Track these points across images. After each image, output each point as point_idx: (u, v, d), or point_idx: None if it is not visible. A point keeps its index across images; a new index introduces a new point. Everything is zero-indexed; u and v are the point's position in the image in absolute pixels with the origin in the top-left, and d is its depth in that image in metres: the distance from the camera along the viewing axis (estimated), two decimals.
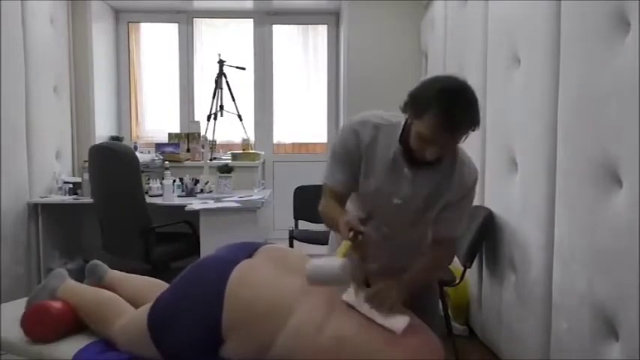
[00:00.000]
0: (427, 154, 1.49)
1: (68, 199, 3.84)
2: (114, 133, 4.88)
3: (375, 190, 1.66)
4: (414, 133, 1.49)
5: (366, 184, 1.67)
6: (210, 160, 4.42)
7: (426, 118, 1.43)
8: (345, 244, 1.47)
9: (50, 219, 3.85)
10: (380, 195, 1.66)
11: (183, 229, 3.44)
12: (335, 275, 1.42)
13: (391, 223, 1.71)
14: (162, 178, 3.84)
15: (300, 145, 5.27)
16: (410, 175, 1.61)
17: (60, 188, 3.95)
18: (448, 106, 1.40)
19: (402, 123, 1.60)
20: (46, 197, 3.81)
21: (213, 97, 4.70)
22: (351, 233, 1.46)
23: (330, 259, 1.46)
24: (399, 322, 1.50)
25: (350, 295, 1.58)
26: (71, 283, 2.05)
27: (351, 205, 1.76)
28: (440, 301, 2.12)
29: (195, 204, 3.52)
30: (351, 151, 1.65)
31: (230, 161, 4.32)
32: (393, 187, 1.64)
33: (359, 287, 1.59)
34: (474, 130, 1.49)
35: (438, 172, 1.61)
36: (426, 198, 1.64)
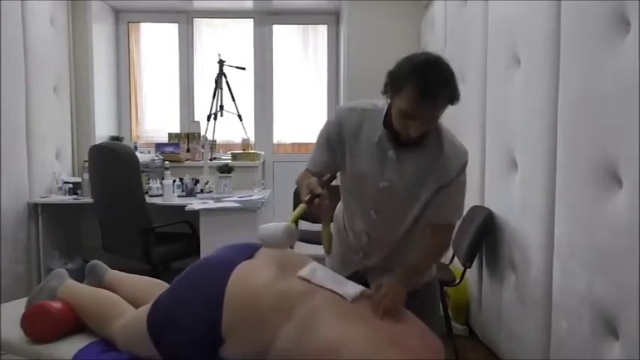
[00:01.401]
0: (410, 131, 1.50)
1: (68, 199, 3.84)
2: (114, 133, 4.88)
3: (360, 174, 1.68)
4: (395, 111, 1.52)
5: (352, 169, 1.69)
6: (210, 160, 4.42)
7: (403, 93, 1.46)
8: (300, 207, 1.54)
9: (50, 219, 3.85)
10: (366, 179, 1.68)
11: (183, 229, 3.44)
12: (277, 238, 1.54)
13: (379, 208, 1.71)
14: (163, 178, 3.84)
15: (300, 145, 5.26)
16: (395, 158, 1.62)
17: (60, 188, 3.95)
18: (424, 77, 1.43)
19: (386, 106, 1.61)
20: (46, 197, 3.81)
21: (213, 97, 4.70)
22: (308, 196, 1.51)
23: (280, 223, 1.55)
24: (350, 289, 1.55)
25: (305, 271, 1.63)
26: (71, 283, 2.05)
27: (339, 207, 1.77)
28: (440, 301, 2.12)
29: (195, 204, 3.52)
30: (330, 137, 1.70)
31: (230, 161, 4.32)
32: (378, 171, 1.65)
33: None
34: (453, 104, 1.50)
35: (424, 154, 1.61)
36: (412, 180, 1.63)
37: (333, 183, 1.72)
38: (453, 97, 1.49)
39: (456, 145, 1.65)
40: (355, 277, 1.76)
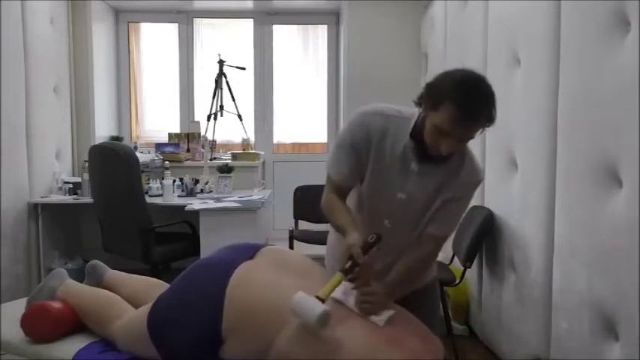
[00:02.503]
0: (442, 148, 1.46)
1: (68, 199, 3.84)
2: (114, 133, 4.88)
3: (379, 182, 1.64)
4: (429, 126, 1.46)
5: (371, 176, 1.64)
6: (210, 160, 4.42)
7: (442, 109, 1.41)
8: (336, 279, 1.45)
9: (50, 219, 3.85)
10: (384, 189, 1.64)
11: (183, 229, 3.44)
12: (311, 324, 1.38)
13: (394, 219, 1.68)
14: (162, 178, 3.84)
15: (300, 145, 5.27)
16: (417, 171, 1.59)
17: (60, 188, 3.95)
18: (466, 96, 1.39)
19: (415, 116, 1.57)
20: (46, 197, 3.81)
21: (213, 97, 4.70)
22: (349, 263, 1.44)
23: (316, 302, 1.41)
24: (382, 315, 1.50)
25: (335, 291, 1.56)
26: (71, 283, 2.05)
27: (350, 202, 1.73)
28: (440, 301, 2.10)
29: (195, 204, 3.52)
30: (358, 143, 1.60)
31: (230, 161, 4.31)
32: (398, 182, 1.61)
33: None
34: (488, 126, 1.47)
35: (445, 170, 1.58)
36: (430, 195, 1.61)
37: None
38: (491, 118, 1.45)
39: (475, 165, 1.64)
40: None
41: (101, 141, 4.15)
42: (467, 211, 2.86)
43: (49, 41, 3.97)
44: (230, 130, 4.90)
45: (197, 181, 4.05)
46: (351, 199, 1.72)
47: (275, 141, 5.23)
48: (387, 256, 1.72)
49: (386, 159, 1.60)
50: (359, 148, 1.60)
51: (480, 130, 1.47)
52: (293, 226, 4.13)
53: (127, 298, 1.96)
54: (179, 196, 3.85)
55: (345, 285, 1.57)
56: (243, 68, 4.79)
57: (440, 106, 1.41)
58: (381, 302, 1.52)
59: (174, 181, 3.85)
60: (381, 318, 1.49)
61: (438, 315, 2.09)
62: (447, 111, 1.40)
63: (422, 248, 1.65)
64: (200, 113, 5.01)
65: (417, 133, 1.54)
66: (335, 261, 1.90)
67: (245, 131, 4.78)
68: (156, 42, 5.21)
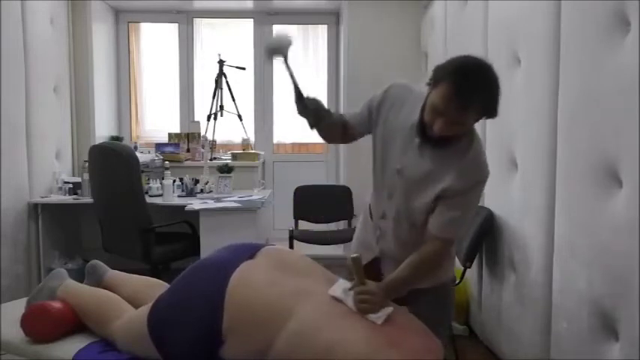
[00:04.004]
0: (435, 127, 1.49)
1: (68, 199, 3.84)
2: (114, 133, 4.88)
3: (385, 148, 1.69)
4: (428, 104, 1.51)
5: (382, 138, 1.71)
6: (210, 160, 4.42)
7: (439, 87, 1.46)
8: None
9: (50, 219, 3.85)
10: (388, 156, 1.69)
11: (183, 229, 3.44)
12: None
13: (391, 191, 1.71)
14: (162, 178, 3.84)
15: (300, 145, 5.26)
16: (417, 146, 1.61)
17: (60, 188, 3.95)
18: (462, 77, 1.43)
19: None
20: (46, 197, 3.81)
21: (213, 97, 4.70)
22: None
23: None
24: (380, 313, 1.51)
25: (336, 290, 1.59)
26: (71, 283, 2.05)
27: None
28: (452, 305, 1.98)
29: (195, 204, 3.52)
30: (372, 102, 1.74)
31: (230, 161, 4.31)
32: (399, 152, 1.65)
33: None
34: (488, 116, 1.49)
35: (446, 156, 1.58)
36: (424, 174, 1.61)
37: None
38: (488, 108, 1.47)
39: (480, 163, 1.60)
40: (371, 266, 1.74)
41: (101, 141, 4.15)
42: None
43: (49, 41, 3.97)
44: (230, 130, 4.90)
45: (197, 181, 4.05)
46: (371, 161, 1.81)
47: (275, 141, 5.23)
48: (395, 236, 1.73)
49: (397, 127, 1.66)
50: (371, 107, 1.73)
51: (477, 119, 1.50)
52: (293, 226, 4.13)
53: (127, 298, 1.96)
54: (179, 196, 3.85)
55: (344, 284, 1.58)
56: (243, 68, 4.79)
57: (439, 84, 1.46)
58: (378, 301, 1.52)
59: (174, 181, 3.85)
60: (379, 316, 1.50)
61: (446, 319, 1.96)
62: (442, 89, 1.45)
63: (425, 248, 1.63)
64: (200, 113, 5.01)
65: (422, 112, 1.57)
66: (355, 246, 1.93)
67: (245, 131, 4.78)
68: (156, 42, 5.21)
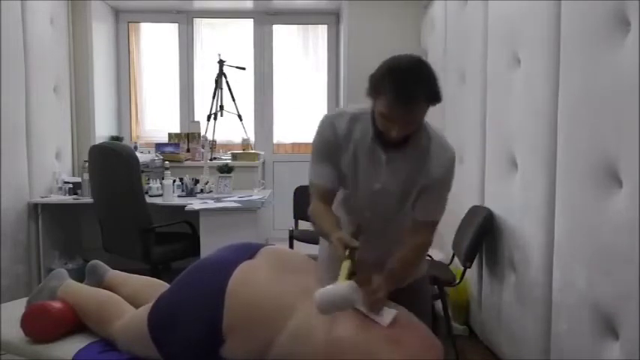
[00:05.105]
0: (392, 133, 1.50)
1: (68, 199, 3.84)
2: (114, 133, 4.88)
3: (355, 177, 1.67)
4: (377, 115, 1.52)
5: (349, 173, 1.68)
6: (210, 160, 4.42)
7: (382, 97, 1.47)
8: (345, 265, 1.45)
9: (50, 219, 3.85)
10: (360, 182, 1.67)
11: (183, 229, 3.44)
12: (346, 299, 1.38)
13: (374, 208, 1.70)
14: (162, 178, 3.84)
15: (300, 145, 5.26)
16: (385, 159, 1.61)
17: (60, 188, 3.95)
18: (399, 82, 1.44)
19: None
20: (46, 197, 3.81)
21: (213, 97, 4.70)
22: (347, 251, 1.46)
23: (336, 285, 1.41)
24: (386, 315, 1.51)
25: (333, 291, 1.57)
26: (71, 283, 2.05)
27: (335, 203, 1.75)
28: (431, 297, 1.99)
29: (195, 204, 3.52)
30: (329, 143, 1.66)
31: (230, 161, 4.32)
32: (371, 173, 1.65)
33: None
34: (434, 104, 1.49)
35: (413, 154, 1.60)
36: (404, 181, 1.63)
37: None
38: (432, 97, 1.47)
39: (443, 144, 1.64)
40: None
41: (101, 141, 4.15)
42: (467, 211, 2.85)
43: (49, 41, 3.97)
44: (230, 130, 4.90)
45: (197, 181, 4.05)
46: (337, 199, 1.74)
47: (275, 141, 5.23)
48: (376, 247, 1.71)
49: (357, 153, 1.64)
50: (331, 148, 1.66)
51: (425, 110, 1.50)
52: (293, 226, 4.13)
53: (127, 298, 1.96)
54: (179, 196, 3.85)
55: (349, 284, 1.56)
56: (243, 68, 4.79)
57: (379, 94, 1.48)
58: (384, 295, 1.52)
59: (174, 181, 3.85)
60: (385, 318, 1.49)
61: (429, 309, 1.97)
62: (384, 98, 1.46)
63: (415, 237, 1.65)
64: (200, 113, 5.01)
65: (375, 124, 1.58)
66: (326, 257, 1.82)
67: (245, 131, 4.78)
68: (156, 42, 5.20)
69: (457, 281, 2.87)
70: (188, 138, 4.67)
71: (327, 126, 1.66)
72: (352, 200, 1.72)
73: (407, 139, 1.56)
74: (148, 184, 3.85)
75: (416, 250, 1.68)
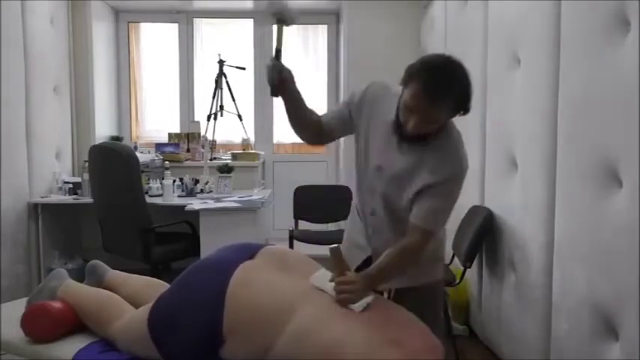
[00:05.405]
0: (409, 125, 1.52)
1: (68, 199, 3.84)
2: (114, 133, 4.88)
3: (366, 147, 1.71)
4: (401, 103, 1.54)
5: (362, 139, 1.73)
6: (210, 160, 4.42)
7: (410, 86, 1.49)
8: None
9: (50, 219, 3.85)
10: (368, 154, 1.70)
11: (183, 229, 3.44)
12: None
13: (373, 188, 1.72)
14: (162, 178, 3.84)
15: (300, 145, 5.25)
16: (395, 143, 1.63)
17: (60, 188, 3.95)
18: (429, 74, 1.46)
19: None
20: (46, 197, 3.81)
21: (213, 97, 4.70)
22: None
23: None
24: (360, 302, 1.52)
25: (317, 279, 1.60)
26: (71, 283, 2.05)
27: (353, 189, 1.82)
28: (443, 304, 2.02)
29: (195, 204, 3.52)
30: (351, 102, 1.76)
31: (230, 161, 4.31)
32: (378, 149, 1.67)
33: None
34: (460, 112, 1.51)
35: (425, 152, 1.60)
36: (403, 170, 1.62)
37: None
38: (458, 103, 1.48)
39: (459, 155, 1.62)
40: (364, 266, 1.73)
41: (101, 141, 4.15)
42: (467, 211, 2.85)
43: (49, 41, 3.97)
44: (230, 130, 4.90)
45: (197, 181, 4.05)
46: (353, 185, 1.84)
47: (275, 141, 5.23)
48: (383, 232, 1.73)
49: (377, 126, 1.68)
50: (351, 106, 1.75)
51: (450, 115, 1.53)
52: (293, 226, 4.13)
53: (127, 298, 1.96)
54: (179, 196, 3.85)
55: (326, 274, 1.61)
56: (243, 68, 4.79)
57: (409, 83, 1.49)
58: (357, 290, 1.53)
59: (174, 181, 3.85)
60: (359, 304, 1.51)
61: (440, 317, 2.01)
62: (412, 87, 1.48)
63: (406, 239, 1.62)
64: (200, 113, 5.01)
65: (398, 111, 1.59)
66: (346, 248, 1.82)
67: (245, 131, 4.78)
68: (156, 42, 5.20)
69: (457, 281, 2.87)
70: (188, 138, 4.67)
71: (363, 89, 1.76)
72: (359, 176, 1.77)
73: (423, 137, 1.56)
74: (148, 184, 3.85)
75: (401, 252, 1.61)
